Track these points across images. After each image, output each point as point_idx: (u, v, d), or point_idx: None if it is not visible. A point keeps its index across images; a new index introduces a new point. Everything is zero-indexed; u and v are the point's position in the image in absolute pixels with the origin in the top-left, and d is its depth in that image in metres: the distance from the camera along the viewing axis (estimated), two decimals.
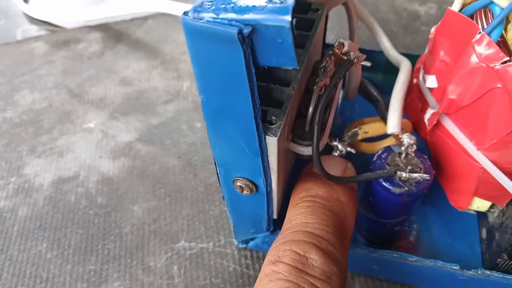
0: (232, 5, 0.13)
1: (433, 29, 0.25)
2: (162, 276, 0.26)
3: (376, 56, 0.35)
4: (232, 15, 0.13)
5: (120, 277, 0.26)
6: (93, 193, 0.31)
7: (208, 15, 0.13)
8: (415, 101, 0.27)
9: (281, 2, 0.13)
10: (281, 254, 0.17)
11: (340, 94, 0.25)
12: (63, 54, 0.42)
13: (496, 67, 0.19)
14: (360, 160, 0.30)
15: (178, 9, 0.38)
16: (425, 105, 0.26)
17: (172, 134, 0.34)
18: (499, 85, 0.19)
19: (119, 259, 0.27)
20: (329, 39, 0.41)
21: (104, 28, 0.44)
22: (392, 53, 0.29)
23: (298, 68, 0.16)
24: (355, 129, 0.24)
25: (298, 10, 0.22)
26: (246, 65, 0.14)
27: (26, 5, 0.48)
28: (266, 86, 0.19)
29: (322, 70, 0.21)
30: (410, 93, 0.28)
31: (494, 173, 0.21)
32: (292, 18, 0.13)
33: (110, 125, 0.35)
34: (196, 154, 0.33)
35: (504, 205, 0.23)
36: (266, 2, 0.13)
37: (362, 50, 0.35)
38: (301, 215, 0.19)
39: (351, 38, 0.32)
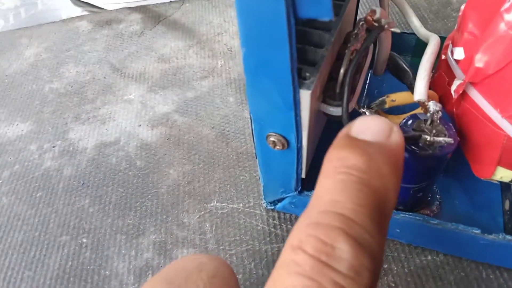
0: None
1: (463, 6, 0.26)
2: (195, 232, 0.28)
3: (405, 38, 0.36)
4: None
5: (156, 231, 0.28)
6: (133, 156, 0.33)
7: None
8: (442, 75, 0.28)
9: None
10: (303, 238, 0.14)
11: (368, 65, 0.26)
12: (105, 32, 0.44)
13: None
14: None
15: None
16: (452, 79, 0.27)
17: (207, 106, 0.36)
18: None
19: (155, 215, 0.29)
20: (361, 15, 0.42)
21: (144, 10, 0.46)
22: (422, 31, 0.30)
23: (334, 20, 0.17)
24: (383, 97, 0.25)
25: None
26: (287, 15, 0.16)
27: None
28: (302, 47, 0.21)
29: (354, 36, 0.22)
30: (438, 69, 0.29)
31: None
32: None
33: (149, 97, 0.37)
34: (228, 125, 0.34)
35: None
36: None
37: (392, 32, 0.36)
38: (332, 190, 0.15)
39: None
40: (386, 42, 0.25)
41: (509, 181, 0.25)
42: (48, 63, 0.41)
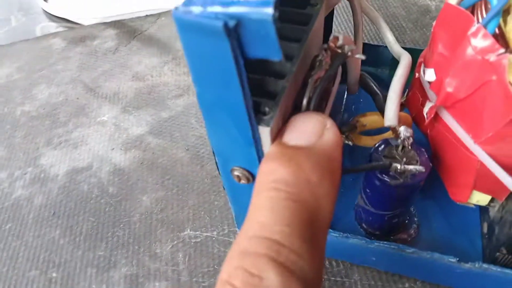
0: None
1: (434, 22, 0.25)
2: (167, 263, 0.27)
3: (382, 52, 0.35)
4: (218, 9, 0.14)
5: (128, 263, 0.27)
6: (105, 183, 0.32)
7: (196, 9, 0.14)
8: (416, 95, 0.27)
9: None
10: (232, 271, 0.13)
11: (336, 89, 0.25)
12: (79, 50, 0.43)
13: (490, 59, 0.19)
14: (362, 153, 0.30)
15: None
16: (425, 99, 0.26)
17: (181, 127, 0.35)
18: (494, 78, 0.19)
19: (127, 246, 0.28)
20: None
21: (119, 25, 0.45)
22: (395, 47, 0.29)
23: (283, 60, 0.16)
24: (353, 122, 0.24)
25: (296, 4, 0.23)
26: (234, 57, 0.15)
27: (46, 3, 0.49)
28: (261, 78, 0.20)
29: (318, 64, 0.21)
30: (412, 87, 0.28)
31: (491, 166, 0.21)
32: (275, 11, 0.13)
33: (122, 119, 0.36)
34: (203, 146, 0.33)
35: (504, 199, 0.23)
36: None
37: (368, 45, 0.35)
38: (259, 211, 0.15)
39: (355, 32, 0.32)
40: (353, 66, 0.24)
41: (486, 205, 0.24)
42: (20, 84, 0.40)
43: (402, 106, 0.28)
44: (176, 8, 0.15)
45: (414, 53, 0.30)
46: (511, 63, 0.19)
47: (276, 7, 0.13)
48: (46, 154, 0.34)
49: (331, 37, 0.21)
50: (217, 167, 0.22)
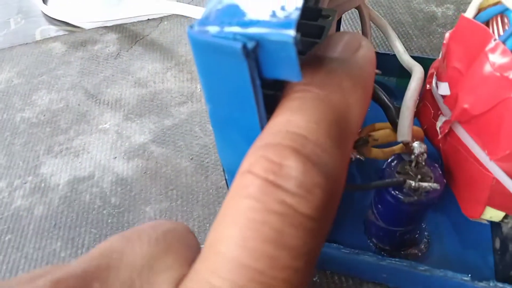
0: (237, 18, 0.13)
1: (447, 34, 0.24)
2: None
3: (390, 60, 0.35)
4: (236, 29, 0.13)
5: None
6: (107, 193, 0.31)
7: (213, 29, 0.14)
8: (427, 107, 0.26)
9: (286, 17, 0.13)
10: (253, 161, 0.13)
11: None
12: (80, 55, 0.42)
13: (510, 77, 0.19)
14: (372, 166, 0.30)
15: (192, 12, 0.39)
16: (437, 111, 0.25)
17: (185, 135, 0.34)
18: None
19: None
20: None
21: (121, 29, 0.45)
22: (405, 58, 0.28)
23: (302, 80, 0.16)
24: (365, 137, 0.24)
25: (308, 16, 0.22)
26: (251, 77, 0.14)
27: (45, 5, 0.49)
28: (274, 94, 0.19)
29: None
30: (423, 99, 0.27)
31: (507, 184, 0.21)
32: (297, 32, 0.13)
33: (124, 126, 0.35)
34: (208, 156, 0.33)
35: None
36: (270, 16, 0.13)
37: (376, 53, 0.35)
38: (286, 111, 0.14)
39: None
40: None
41: (499, 221, 0.24)
42: (19, 89, 0.40)
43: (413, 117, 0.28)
44: (191, 27, 0.14)
45: (423, 62, 0.29)
46: None
47: (298, 29, 0.13)
48: (47, 163, 0.34)
49: None
50: (227, 185, 0.21)
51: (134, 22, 0.45)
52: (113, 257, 0.14)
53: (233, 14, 0.14)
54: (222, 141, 0.18)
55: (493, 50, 0.19)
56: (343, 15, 0.31)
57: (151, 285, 0.13)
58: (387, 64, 0.35)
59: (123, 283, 0.13)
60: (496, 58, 0.19)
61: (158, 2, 0.41)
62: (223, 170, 0.20)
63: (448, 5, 0.43)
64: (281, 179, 0.12)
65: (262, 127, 0.17)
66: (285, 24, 0.13)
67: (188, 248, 0.15)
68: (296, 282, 0.12)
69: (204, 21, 0.14)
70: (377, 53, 0.35)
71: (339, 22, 0.34)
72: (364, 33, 0.31)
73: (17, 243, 0.29)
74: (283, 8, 0.13)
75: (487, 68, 0.20)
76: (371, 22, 0.31)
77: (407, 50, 0.33)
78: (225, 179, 0.21)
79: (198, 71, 0.15)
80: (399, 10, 0.43)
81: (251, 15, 0.13)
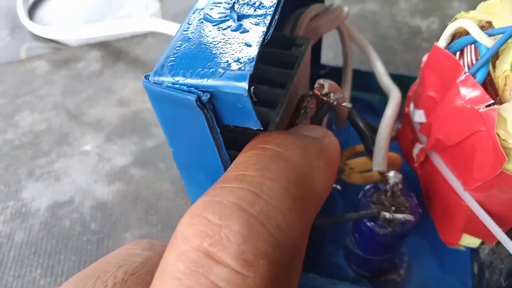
0: (191, 70, 0.13)
1: (424, 58, 0.24)
2: None
3: (372, 78, 0.35)
4: (190, 81, 0.13)
5: None
6: (87, 218, 0.31)
7: (167, 80, 0.13)
8: (407, 130, 0.26)
9: (240, 69, 0.13)
10: (188, 221, 0.11)
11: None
12: (63, 73, 0.42)
13: (480, 110, 0.19)
14: (352, 190, 0.29)
15: (175, 30, 0.38)
16: (415, 136, 0.25)
17: (166, 157, 0.34)
18: (483, 128, 0.19)
19: None
20: (327, 57, 0.40)
21: (105, 46, 0.44)
22: (384, 80, 0.28)
23: (261, 128, 0.15)
24: (341, 165, 0.24)
25: (282, 45, 0.22)
26: (209, 127, 0.14)
27: (32, 22, 0.48)
28: (243, 130, 0.19)
29: (303, 111, 0.20)
30: (402, 123, 0.27)
31: (480, 214, 0.21)
32: (250, 85, 0.13)
33: (106, 148, 0.35)
34: None
35: (494, 243, 0.23)
36: (225, 68, 0.13)
37: (358, 72, 0.35)
38: (240, 165, 0.13)
39: (345, 61, 0.31)
40: (341, 114, 0.23)
41: (477, 247, 0.24)
42: (3, 110, 0.39)
43: (392, 139, 0.27)
44: (146, 77, 0.14)
45: (406, 81, 0.29)
46: (499, 114, 0.18)
47: (251, 81, 0.13)
48: (28, 187, 0.33)
49: (316, 84, 0.20)
50: None
51: (118, 39, 0.45)
52: None
53: (188, 65, 0.13)
54: (189, 182, 0.18)
55: (463, 82, 0.19)
56: (324, 36, 0.30)
57: None
58: (370, 81, 0.35)
59: None
60: (466, 92, 0.19)
61: (141, 19, 0.41)
62: None
63: (432, 18, 0.43)
64: (218, 247, 0.10)
65: (224, 167, 0.16)
66: (238, 77, 0.13)
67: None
68: None
69: (159, 72, 0.14)
70: (360, 71, 0.35)
71: (319, 44, 0.34)
72: (345, 53, 0.31)
73: None
74: (237, 60, 0.13)
75: (459, 100, 0.19)
76: (352, 42, 0.31)
77: (392, 65, 0.33)
78: None
79: (158, 118, 0.15)
80: (384, 23, 0.43)
81: (205, 66, 0.13)
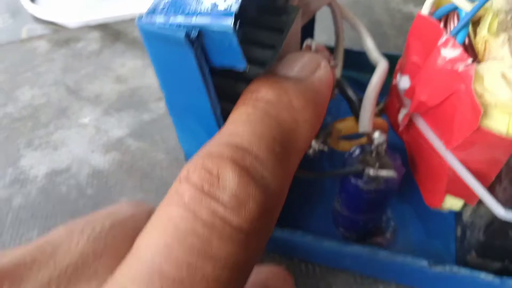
0: (181, 10, 0.14)
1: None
2: None
3: (364, 57, 0.36)
4: (180, 19, 0.14)
5: None
6: (84, 185, 0.32)
7: (159, 20, 0.14)
8: (394, 101, 0.27)
9: (226, 8, 0.14)
10: (191, 169, 0.13)
11: None
12: (63, 52, 0.43)
13: (459, 70, 0.20)
14: (340, 158, 0.30)
15: None
16: (401, 105, 0.26)
17: (162, 130, 0.35)
18: (462, 87, 0.20)
19: None
20: (321, 40, 0.41)
21: (104, 28, 0.45)
22: (374, 55, 0.29)
23: (247, 70, 0.16)
24: (329, 128, 0.25)
25: (273, 13, 0.23)
26: (198, 65, 0.15)
27: (33, 5, 0.49)
28: (234, 84, 0.20)
29: None
30: (390, 94, 0.28)
31: (461, 172, 0.22)
32: (236, 21, 0.14)
33: (103, 121, 0.36)
34: (183, 150, 0.34)
35: (475, 204, 0.24)
36: (212, 7, 0.14)
37: (350, 51, 0.36)
38: (232, 123, 0.15)
39: (336, 39, 0.32)
40: None
41: (459, 210, 0.25)
42: (3, 86, 0.40)
43: (381, 112, 0.28)
44: (140, 18, 0.15)
45: (396, 60, 0.30)
46: (477, 73, 0.19)
47: (237, 18, 0.14)
48: (27, 156, 0.34)
49: (303, 45, 0.21)
50: None
51: (117, 21, 0.46)
52: (46, 251, 0.13)
53: (179, 6, 0.14)
54: (180, 128, 0.19)
55: (444, 44, 0.20)
56: (317, 15, 0.31)
57: None
58: (361, 61, 0.36)
59: (39, 285, 0.13)
60: (447, 52, 0.20)
61: (140, 1, 0.42)
62: (185, 158, 0.21)
63: None
64: (216, 189, 0.12)
65: (214, 113, 0.17)
66: (225, 14, 0.14)
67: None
68: None
69: (152, 12, 0.15)
70: (352, 51, 0.36)
71: (312, 22, 0.35)
72: (336, 30, 0.32)
73: None
74: (225, 1, 0.14)
75: (440, 61, 0.20)
76: (343, 20, 0.32)
77: (384, 48, 0.34)
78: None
79: (151, 59, 0.16)
80: (378, 10, 0.44)
81: (194, 6, 0.14)
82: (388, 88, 0.28)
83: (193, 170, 0.13)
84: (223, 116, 0.18)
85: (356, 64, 0.36)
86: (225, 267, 0.12)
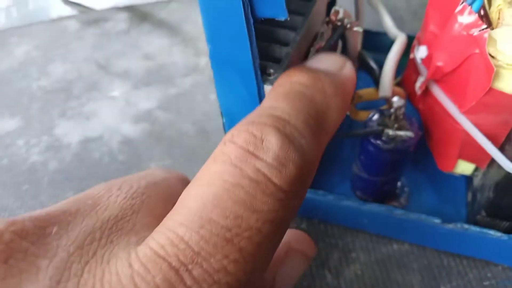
0: None
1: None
2: None
3: (381, 38, 0.37)
4: None
5: None
6: (115, 151, 0.34)
7: None
8: (411, 74, 0.29)
9: None
10: (235, 133, 0.15)
11: None
12: (92, 31, 0.45)
13: (474, 34, 0.21)
14: (358, 127, 0.32)
15: None
16: (418, 75, 0.28)
17: (188, 103, 0.37)
18: (476, 51, 0.22)
19: None
20: None
21: (131, 9, 0.48)
22: (393, 31, 0.31)
23: (288, 18, 0.18)
24: None
25: None
26: (245, 14, 0.17)
27: None
28: (268, 45, 0.22)
29: (319, 35, 0.23)
30: (407, 68, 0.30)
31: (475, 134, 0.23)
32: None
33: (132, 94, 0.38)
34: (209, 122, 0.36)
35: (485, 166, 0.25)
36: None
37: (368, 32, 0.37)
38: (272, 99, 0.16)
39: (356, 17, 0.34)
40: (352, 41, 0.26)
41: (470, 174, 0.26)
42: (37, 61, 0.43)
43: (399, 85, 0.30)
44: None
45: (412, 40, 0.32)
46: (491, 37, 0.21)
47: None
48: (60, 125, 0.36)
49: (332, 11, 0.23)
50: (224, 128, 0.24)
51: (143, 3, 0.48)
52: (86, 203, 0.14)
53: None
54: (220, 82, 0.21)
55: (461, 12, 0.22)
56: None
57: (109, 243, 0.13)
58: (379, 42, 0.38)
59: (84, 231, 0.13)
60: (463, 19, 0.22)
61: None
62: (221, 115, 0.23)
63: None
64: (260, 151, 0.14)
65: (254, 65, 0.19)
66: None
67: (170, 202, 0.15)
68: (258, 242, 0.13)
69: None
70: (369, 32, 0.38)
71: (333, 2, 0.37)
72: (357, 10, 0.34)
73: (33, 192, 0.32)
74: None
75: (456, 28, 0.22)
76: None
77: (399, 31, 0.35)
78: (223, 124, 0.24)
79: (201, 11, 0.18)
80: None
81: None
82: (403, 69, 0.29)
83: (237, 133, 0.15)
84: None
85: (373, 45, 0.38)
86: (266, 221, 0.13)
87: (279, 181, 0.14)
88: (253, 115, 0.16)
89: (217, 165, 0.14)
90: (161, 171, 0.18)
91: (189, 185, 0.14)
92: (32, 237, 0.12)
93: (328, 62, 0.19)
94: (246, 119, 0.15)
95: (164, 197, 0.16)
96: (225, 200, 0.13)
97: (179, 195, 0.15)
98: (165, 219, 0.14)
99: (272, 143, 0.14)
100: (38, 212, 0.14)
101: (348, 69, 0.19)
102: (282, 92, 0.16)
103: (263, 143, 0.14)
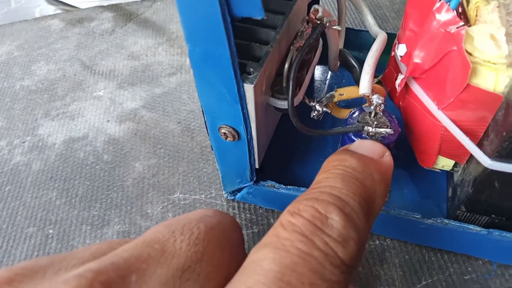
0: None
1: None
2: (158, 221, 0.29)
3: (364, 36, 0.38)
4: None
5: (121, 222, 0.29)
6: (100, 151, 0.34)
7: None
8: (391, 71, 0.29)
9: None
10: (301, 208, 0.16)
11: (317, 59, 0.28)
12: (77, 30, 0.45)
13: (451, 31, 0.22)
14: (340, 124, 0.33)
15: None
16: (398, 73, 0.28)
17: (174, 102, 0.37)
18: (454, 48, 0.22)
19: (120, 207, 0.30)
20: None
21: (116, 8, 0.47)
22: (374, 29, 0.31)
23: (265, 17, 0.18)
24: (332, 92, 0.27)
25: None
26: (222, 14, 0.17)
27: None
28: (248, 44, 0.22)
29: (299, 34, 0.24)
30: (388, 65, 0.30)
31: (452, 130, 0.24)
32: None
33: (117, 94, 0.38)
34: (194, 120, 0.36)
35: (465, 162, 0.26)
36: None
37: (350, 30, 0.38)
38: (330, 179, 0.18)
39: (339, 17, 0.34)
40: (333, 39, 0.26)
41: (450, 170, 0.27)
42: (19, 61, 0.42)
43: (379, 83, 0.31)
44: None
45: (393, 38, 0.32)
46: (468, 34, 0.21)
47: None
48: (44, 125, 0.36)
49: (312, 9, 0.23)
50: (206, 127, 0.24)
51: (128, 2, 0.48)
52: (155, 248, 0.15)
53: None
54: (200, 81, 0.21)
55: (439, 9, 0.22)
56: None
57: None
58: (362, 40, 0.38)
59: (160, 282, 0.14)
60: (441, 16, 0.22)
61: None
62: (203, 113, 0.23)
63: None
64: (326, 227, 0.15)
65: (233, 64, 0.19)
66: None
67: (225, 249, 0.16)
68: None
69: None
70: (352, 29, 0.38)
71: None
72: (339, 8, 0.34)
73: (16, 193, 0.32)
74: None
75: (434, 25, 0.23)
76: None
77: (382, 29, 0.36)
78: (205, 122, 0.24)
79: (179, 12, 0.18)
80: None
81: None
82: (383, 69, 0.30)
83: (303, 208, 0.16)
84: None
85: (356, 43, 0.38)
86: None
87: (344, 255, 0.15)
88: (312, 192, 0.17)
89: (287, 233, 0.15)
90: (214, 212, 0.18)
91: (260, 245, 0.15)
92: (117, 287, 0.13)
93: (372, 149, 0.21)
94: (307, 195, 0.17)
95: (220, 245, 0.16)
96: (301, 267, 0.14)
97: (233, 242, 0.16)
98: (242, 275, 0.14)
99: (336, 221, 0.16)
100: (116, 258, 0.14)
101: (388, 157, 0.21)
102: (338, 175, 0.18)
103: (328, 220, 0.15)
